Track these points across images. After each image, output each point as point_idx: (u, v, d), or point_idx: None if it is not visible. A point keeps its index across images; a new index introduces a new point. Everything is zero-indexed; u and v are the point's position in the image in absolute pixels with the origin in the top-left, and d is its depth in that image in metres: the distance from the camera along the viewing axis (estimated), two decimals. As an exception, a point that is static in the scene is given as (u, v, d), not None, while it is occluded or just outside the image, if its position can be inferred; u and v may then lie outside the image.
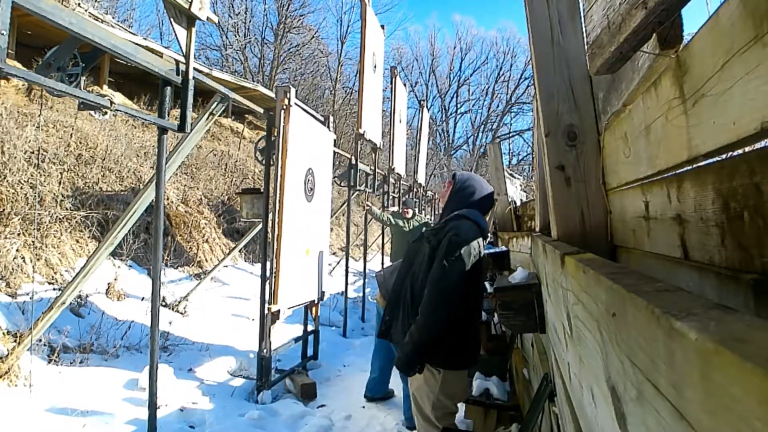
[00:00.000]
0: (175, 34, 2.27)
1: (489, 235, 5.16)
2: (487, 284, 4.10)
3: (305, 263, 3.73)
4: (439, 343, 1.97)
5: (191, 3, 2.22)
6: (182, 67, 2.34)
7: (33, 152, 4.59)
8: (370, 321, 6.04)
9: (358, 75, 5.88)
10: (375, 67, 6.15)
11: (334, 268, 8.27)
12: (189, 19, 2.33)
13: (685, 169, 0.72)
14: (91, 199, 4.98)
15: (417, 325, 1.95)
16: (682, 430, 0.33)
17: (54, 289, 3.88)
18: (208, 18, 2.36)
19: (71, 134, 5.41)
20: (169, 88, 2.30)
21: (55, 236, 4.34)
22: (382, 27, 6.61)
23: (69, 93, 1.87)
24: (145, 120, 2.40)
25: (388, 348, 3.35)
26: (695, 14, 0.80)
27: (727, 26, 0.54)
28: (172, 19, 2.22)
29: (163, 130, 2.36)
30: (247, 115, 12.73)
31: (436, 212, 11.58)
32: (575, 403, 0.93)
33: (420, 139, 10.16)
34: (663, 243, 0.83)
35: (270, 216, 3.44)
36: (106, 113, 2.05)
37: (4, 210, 4.00)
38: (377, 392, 3.49)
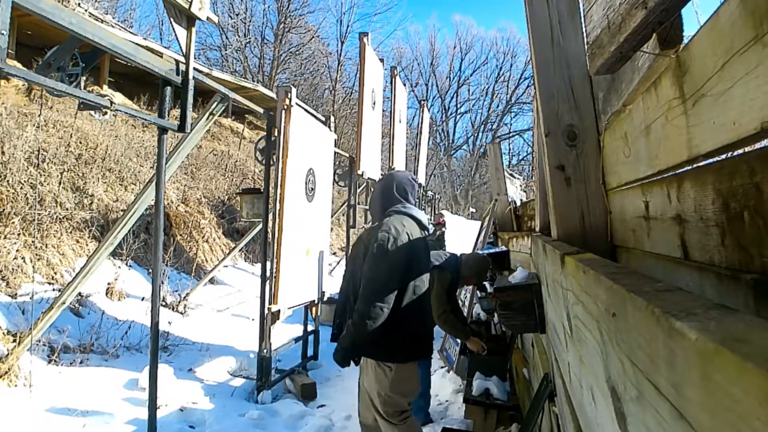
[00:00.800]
0: (175, 34, 2.27)
1: (490, 234, 5.18)
2: (487, 284, 4.12)
3: (305, 263, 3.73)
4: (381, 337, 1.99)
5: (191, 3, 2.22)
6: (182, 67, 2.34)
7: (33, 152, 4.59)
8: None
9: (357, 112, 5.79)
10: (374, 104, 6.07)
11: (334, 268, 8.27)
12: (189, 19, 2.33)
13: (685, 169, 0.72)
14: (91, 199, 4.98)
15: (353, 321, 1.99)
16: (682, 430, 0.33)
17: (54, 289, 3.88)
18: (208, 18, 2.36)
19: (71, 134, 5.41)
20: (169, 88, 2.30)
21: (55, 236, 4.34)
22: (381, 60, 6.50)
23: (69, 93, 1.87)
24: (146, 120, 2.39)
25: None
26: (695, 15, 0.80)
27: (727, 26, 0.54)
28: (172, 19, 2.22)
29: (163, 130, 2.36)
30: (247, 115, 12.73)
31: (436, 212, 11.58)
32: (575, 403, 0.93)
33: (420, 139, 10.16)
34: (663, 243, 0.83)
35: (270, 216, 3.44)
36: (106, 113, 2.05)
37: (4, 210, 4.00)
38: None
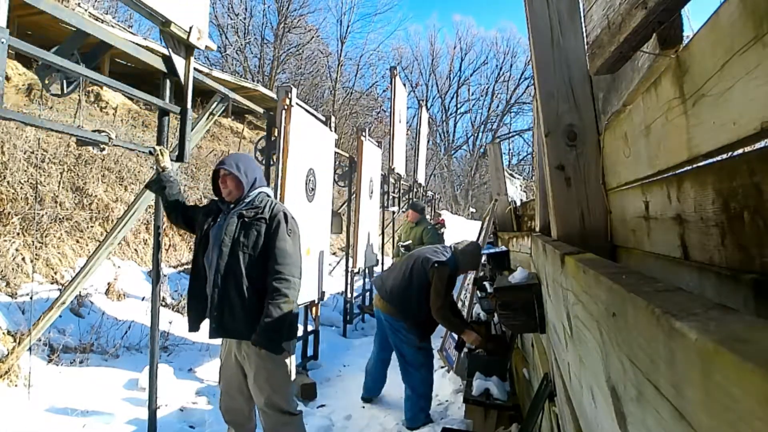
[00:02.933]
0: (172, 68, 2.27)
1: (490, 234, 5.18)
2: (487, 284, 4.12)
3: (305, 263, 3.73)
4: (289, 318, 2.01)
5: (189, 33, 2.23)
6: (183, 72, 2.36)
7: (33, 152, 4.59)
8: (370, 321, 6.05)
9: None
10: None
11: (334, 268, 8.27)
12: (188, 49, 2.34)
13: (685, 169, 0.72)
14: (91, 199, 4.98)
15: (282, 301, 1.95)
16: (682, 430, 0.33)
17: (54, 289, 3.88)
18: (206, 47, 2.38)
19: (71, 134, 5.41)
20: (166, 118, 2.38)
21: (55, 236, 4.34)
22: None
23: (67, 132, 2.01)
24: (144, 151, 2.40)
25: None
26: (695, 15, 0.80)
27: (727, 26, 0.54)
28: (171, 50, 2.23)
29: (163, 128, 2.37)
30: (247, 115, 12.73)
31: (436, 211, 11.58)
32: (575, 403, 0.93)
33: (420, 139, 10.15)
34: (663, 243, 0.83)
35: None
36: (104, 149, 2.12)
37: (4, 210, 4.00)
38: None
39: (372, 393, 3.50)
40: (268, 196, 2.17)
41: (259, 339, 1.93)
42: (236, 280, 1.98)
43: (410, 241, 5.43)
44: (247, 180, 2.09)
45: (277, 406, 2.06)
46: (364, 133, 5.24)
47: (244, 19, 20.84)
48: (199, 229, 2.15)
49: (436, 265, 3.01)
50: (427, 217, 5.62)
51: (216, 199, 2.21)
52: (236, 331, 2.01)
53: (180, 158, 2.42)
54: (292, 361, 2.15)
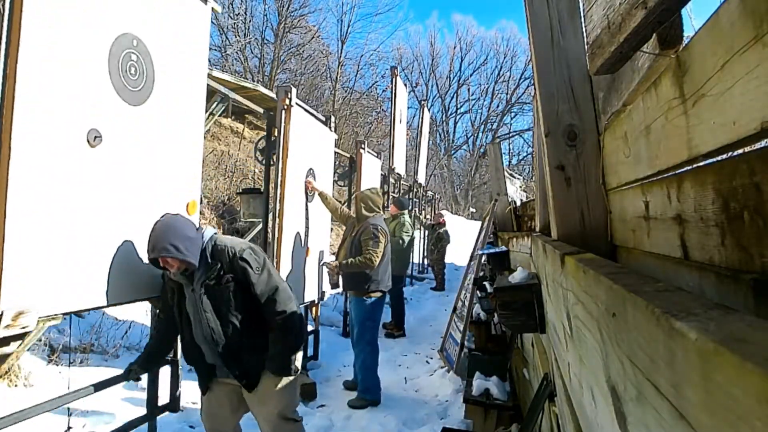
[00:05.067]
0: None
1: (490, 234, 5.19)
2: (487, 284, 4.12)
3: (305, 263, 3.73)
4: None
5: None
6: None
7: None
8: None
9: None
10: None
11: (334, 268, 8.26)
12: None
13: (685, 169, 0.72)
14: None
15: (286, 335, 1.96)
16: (682, 430, 0.33)
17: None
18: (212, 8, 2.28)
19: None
20: None
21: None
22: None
23: None
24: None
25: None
26: (695, 15, 0.80)
27: (727, 26, 0.54)
28: None
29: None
30: (247, 115, 12.72)
31: (436, 211, 11.58)
32: (575, 403, 0.93)
33: (420, 139, 10.15)
34: (663, 243, 0.83)
35: (270, 216, 3.44)
36: None
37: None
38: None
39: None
40: (214, 243, 1.92)
41: (272, 366, 1.97)
42: (235, 338, 1.94)
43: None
44: (190, 253, 1.82)
45: (284, 415, 2.09)
46: (363, 145, 5.25)
47: (245, 19, 20.83)
48: (174, 308, 1.99)
49: None
50: (406, 214, 5.63)
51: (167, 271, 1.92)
52: (254, 367, 2.01)
53: None
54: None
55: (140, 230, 1.89)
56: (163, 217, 1.86)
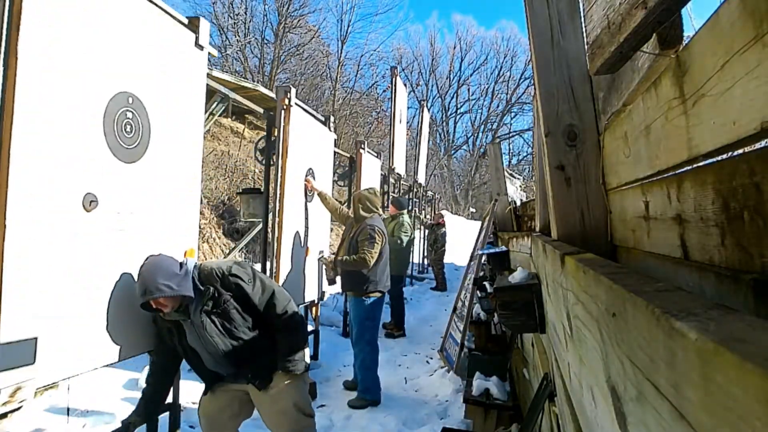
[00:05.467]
0: None
1: (490, 234, 5.19)
2: (487, 284, 4.12)
3: (305, 263, 3.73)
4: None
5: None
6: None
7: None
8: (370, 321, 6.04)
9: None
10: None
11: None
12: None
13: (685, 169, 0.72)
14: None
15: (293, 336, 2.03)
16: (682, 430, 0.33)
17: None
18: (209, 53, 2.35)
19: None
20: None
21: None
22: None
23: None
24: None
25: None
26: (695, 15, 0.80)
27: (727, 26, 0.54)
28: None
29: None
30: (247, 115, 12.72)
31: (436, 212, 11.58)
32: (575, 403, 0.93)
33: (420, 139, 10.16)
34: (663, 243, 0.83)
35: (270, 216, 3.44)
36: None
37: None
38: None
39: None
40: (200, 270, 1.93)
41: (284, 364, 2.00)
42: (247, 347, 1.98)
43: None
44: (182, 287, 1.81)
45: (301, 409, 2.10)
46: (363, 145, 5.26)
47: (245, 19, 20.83)
48: (177, 347, 1.98)
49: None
50: (405, 214, 5.63)
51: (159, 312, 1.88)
52: (266, 367, 2.04)
53: None
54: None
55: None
56: (147, 260, 1.83)
